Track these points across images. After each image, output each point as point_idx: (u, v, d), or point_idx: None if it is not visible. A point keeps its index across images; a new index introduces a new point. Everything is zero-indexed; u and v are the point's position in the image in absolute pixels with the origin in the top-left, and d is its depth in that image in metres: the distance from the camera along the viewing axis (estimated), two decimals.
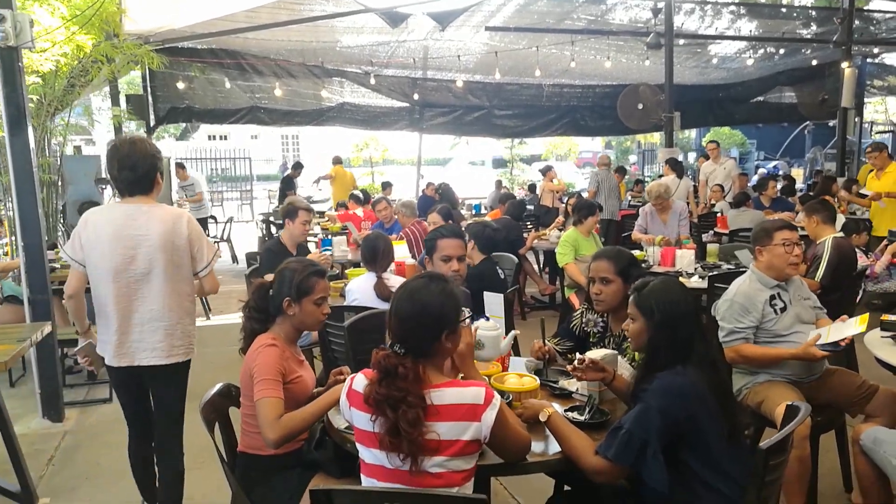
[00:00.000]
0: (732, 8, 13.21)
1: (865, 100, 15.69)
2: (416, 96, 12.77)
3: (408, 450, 1.72)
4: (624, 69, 12.74)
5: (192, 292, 2.92)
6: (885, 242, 6.03)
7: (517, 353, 3.63)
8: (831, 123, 15.74)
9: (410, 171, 19.73)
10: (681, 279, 4.76)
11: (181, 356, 2.86)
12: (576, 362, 2.39)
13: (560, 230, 7.36)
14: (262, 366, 2.32)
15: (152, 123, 10.90)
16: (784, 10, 15.27)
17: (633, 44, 11.99)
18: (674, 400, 1.97)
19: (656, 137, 16.66)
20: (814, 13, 13.50)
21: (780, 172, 17.29)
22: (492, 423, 1.77)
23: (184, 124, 14.65)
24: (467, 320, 2.09)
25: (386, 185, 12.24)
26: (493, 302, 2.84)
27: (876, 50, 14.13)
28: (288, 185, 11.96)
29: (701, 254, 5.89)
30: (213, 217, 11.55)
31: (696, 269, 5.13)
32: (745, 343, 3.12)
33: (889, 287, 5.78)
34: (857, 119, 13.34)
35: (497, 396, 1.82)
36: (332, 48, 11.27)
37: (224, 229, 10.90)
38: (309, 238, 7.67)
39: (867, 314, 2.92)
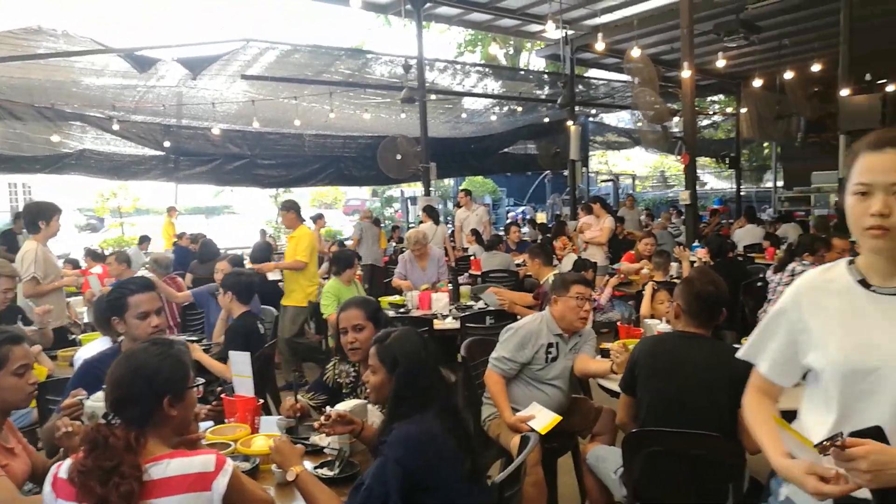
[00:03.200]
0: (478, 68, 14.57)
1: (590, 153, 18.05)
2: (167, 143, 11.98)
3: None
4: (383, 122, 13.27)
5: None
6: (606, 277, 6.91)
7: (267, 412, 3.50)
8: (565, 173, 17.94)
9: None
10: (436, 321, 4.99)
11: None
12: (322, 418, 2.37)
13: (325, 278, 7.34)
14: None
15: None
16: (521, 72, 17.17)
17: (389, 98, 12.58)
18: (410, 450, 1.98)
19: (419, 186, 17.55)
20: (545, 77, 15.34)
21: (528, 216, 19.16)
22: (223, 489, 1.65)
23: None
24: (200, 388, 1.97)
25: (144, 239, 11.27)
26: (240, 361, 2.71)
27: (594, 111, 16.41)
28: (8, 240, 10.31)
29: (456, 295, 6.24)
30: None
31: (450, 310, 5.42)
32: (500, 375, 3.32)
33: (613, 316, 6.61)
34: (584, 169, 15.27)
35: (229, 462, 1.71)
36: (67, 88, 10.19)
37: None
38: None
39: (559, 417, 3.15)
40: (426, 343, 2.28)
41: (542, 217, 18.70)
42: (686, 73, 7.20)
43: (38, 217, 4.66)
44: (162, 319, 2.75)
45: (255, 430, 2.63)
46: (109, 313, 2.74)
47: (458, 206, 11.02)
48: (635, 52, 8.41)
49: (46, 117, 10.80)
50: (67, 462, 1.67)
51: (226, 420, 2.70)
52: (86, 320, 5.57)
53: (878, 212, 1.43)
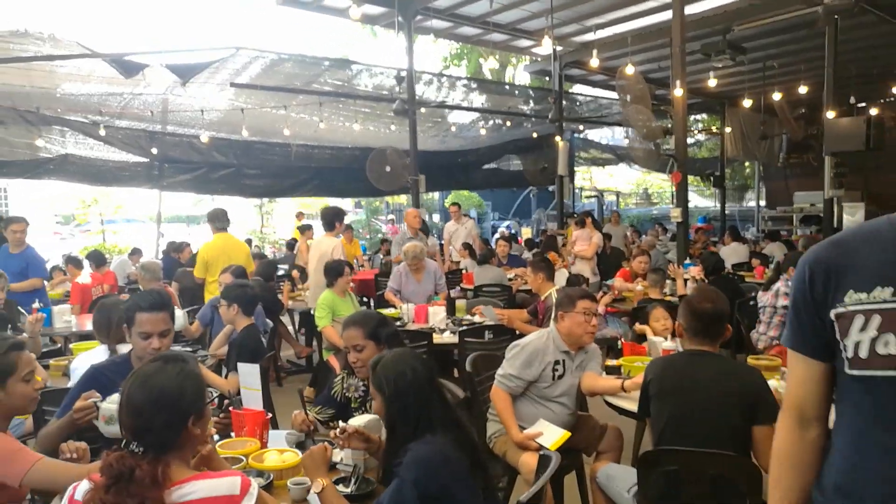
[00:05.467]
0: (465, 82, 14.64)
1: (575, 168, 18.17)
2: (154, 150, 11.83)
3: None
4: (372, 134, 13.24)
5: None
6: (599, 294, 6.92)
7: (275, 426, 3.42)
8: (550, 188, 18.02)
9: (149, 229, 18.15)
10: (434, 335, 4.95)
11: None
12: (337, 430, 2.32)
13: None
14: None
15: None
16: (507, 87, 17.27)
17: (379, 111, 12.56)
18: (425, 471, 1.97)
19: (404, 198, 17.53)
20: (531, 92, 15.44)
21: (513, 231, 19.20)
22: None
23: None
24: (214, 400, 1.91)
25: (135, 252, 11.11)
26: (249, 373, 2.65)
27: (581, 127, 16.53)
28: None
29: (450, 309, 6.19)
30: None
31: (447, 324, 5.37)
32: (507, 392, 3.28)
33: (607, 333, 6.60)
34: (571, 185, 15.37)
35: (254, 484, 1.66)
36: (50, 94, 10.02)
37: None
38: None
39: (568, 434, 3.12)
40: (416, 366, 2.22)
41: (527, 232, 18.74)
42: (678, 92, 7.27)
43: None
44: (165, 343, 2.65)
45: (263, 445, 2.56)
46: (123, 322, 2.66)
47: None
48: (629, 70, 8.49)
49: (28, 122, 10.61)
50: (84, 485, 1.60)
51: (233, 434, 2.62)
52: (74, 329, 5.44)
53: None
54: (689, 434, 2.56)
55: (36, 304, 4.73)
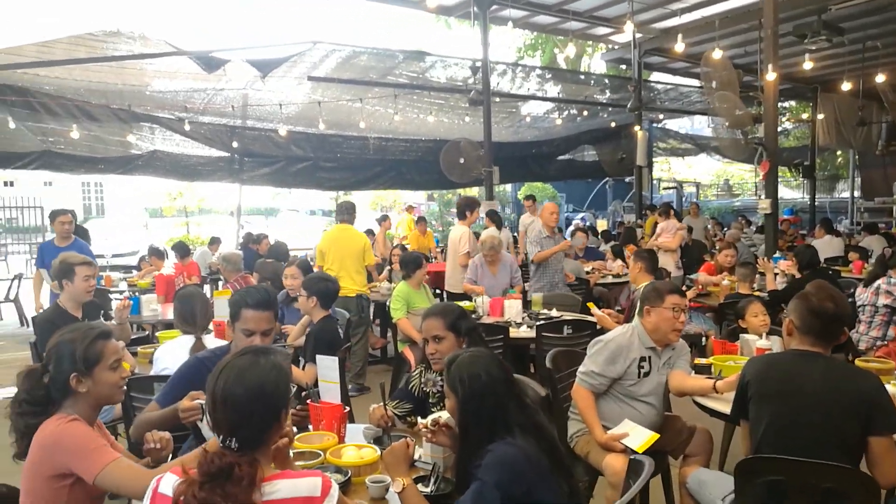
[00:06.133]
0: (539, 72, 14.38)
1: (654, 159, 17.62)
2: (235, 144, 12.18)
3: None
4: (445, 126, 13.20)
5: None
6: (682, 288, 6.62)
7: (352, 420, 3.40)
8: (627, 179, 17.52)
9: (230, 221, 18.79)
10: (511, 329, 4.83)
11: None
12: (429, 423, 2.26)
13: (389, 282, 7.28)
14: (79, 438, 1.95)
15: None
16: (583, 76, 16.87)
17: (452, 102, 12.50)
18: (508, 473, 1.91)
19: (476, 191, 17.43)
20: (608, 81, 15.02)
21: (588, 223, 18.79)
22: None
23: None
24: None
25: (214, 241, 11.48)
26: (328, 367, 2.61)
27: (661, 116, 15.98)
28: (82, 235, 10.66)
29: (524, 303, 6.06)
30: None
31: (523, 318, 5.24)
32: (589, 390, 3.15)
33: (690, 329, 6.31)
34: (649, 176, 14.88)
35: (334, 486, 1.61)
36: (140, 92, 10.45)
37: (10, 287, 9.51)
38: (116, 296, 6.90)
39: (656, 435, 2.96)
40: (492, 366, 2.14)
41: (602, 224, 18.30)
42: (771, 76, 6.85)
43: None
44: (266, 342, 2.61)
45: (341, 439, 2.53)
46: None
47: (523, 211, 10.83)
48: (716, 54, 8.06)
49: (121, 119, 11.11)
50: (170, 478, 1.58)
51: (310, 427, 2.60)
52: (159, 318, 5.62)
53: None
54: (795, 441, 2.36)
55: (126, 292, 4.90)
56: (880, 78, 11.11)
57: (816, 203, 17.04)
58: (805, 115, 16.94)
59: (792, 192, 24.82)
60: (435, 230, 19.69)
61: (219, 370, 1.66)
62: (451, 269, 6.83)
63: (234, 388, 1.59)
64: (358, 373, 6.04)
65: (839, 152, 20.19)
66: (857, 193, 18.72)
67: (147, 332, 5.84)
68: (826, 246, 9.60)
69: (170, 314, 5.08)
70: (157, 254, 8.43)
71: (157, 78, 10.17)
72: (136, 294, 6.25)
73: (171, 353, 3.48)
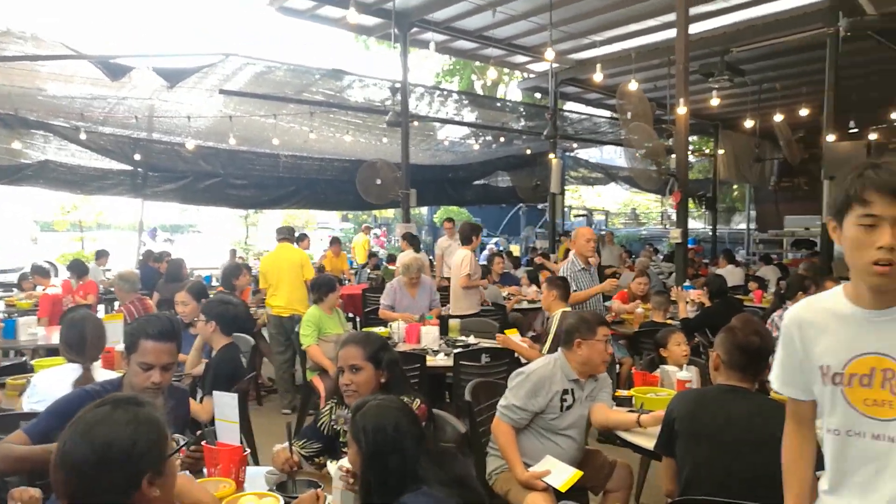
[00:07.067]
0: (457, 97, 14.45)
1: (565, 187, 18.02)
2: (138, 157, 11.48)
3: None
4: (362, 146, 12.98)
5: None
6: None
7: (255, 461, 3.10)
8: (540, 206, 17.84)
9: (132, 237, 17.71)
10: (428, 357, 4.65)
11: None
12: (345, 472, 2.03)
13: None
14: None
15: None
16: (499, 103, 17.11)
17: (370, 122, 12.31)
18: None
19: (391, 212, 17.25)
20: (523, 109, 15.27)
21: (501, 248, 18.95)
22: None
23: None
24: (183, 448, 1.60)
25: (101, 254, 10.67)
26: (226, 404, 2.33)
27: (574, 145, 16.39)
28: None
29: (442, 329, 5.90)
30: None
31: (440, 345, 5.08)
32: (510, 425, 3.00)
33: None
34: (562, 203, 15.19)
35: None
36: (31, 95, 9.67)
37: None
38: None
39: (580, 473, 2.88)
40: (402, 419, 1.92)
41: (515, 249, 18.50)
42: (682, 110, 7.08)
43: None
44: (167, 377, 2.37)
45: (240, 486, 2.25)
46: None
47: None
48: (632, 86, 8.28)
49: (7, 125, 10.25)
50: None
51: (205, 471, 2.31)
52: (39, 342, 5.08)
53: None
54: (725, 480, 2.29)
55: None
56: (778, 117, 11.81)
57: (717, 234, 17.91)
58: (707, 150, 17.83)
59: (694, 222, 26.05)
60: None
61: (70, 425, 1.37)
62: (454, 294, 6.40)
63: (74, 448, 1.32)
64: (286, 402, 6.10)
65: (736, 186, 21.36)
66: (752, 225, 19.83)
67: (26, 358, 5.28)
68: (729, 275, 9.95)
69: (55, 338, 4.58)
70: (40, 272, 7.69)
71: (52, 81, 9.44)
72: (14, 316, 5.64)
73: (48, 384, 3.05)
